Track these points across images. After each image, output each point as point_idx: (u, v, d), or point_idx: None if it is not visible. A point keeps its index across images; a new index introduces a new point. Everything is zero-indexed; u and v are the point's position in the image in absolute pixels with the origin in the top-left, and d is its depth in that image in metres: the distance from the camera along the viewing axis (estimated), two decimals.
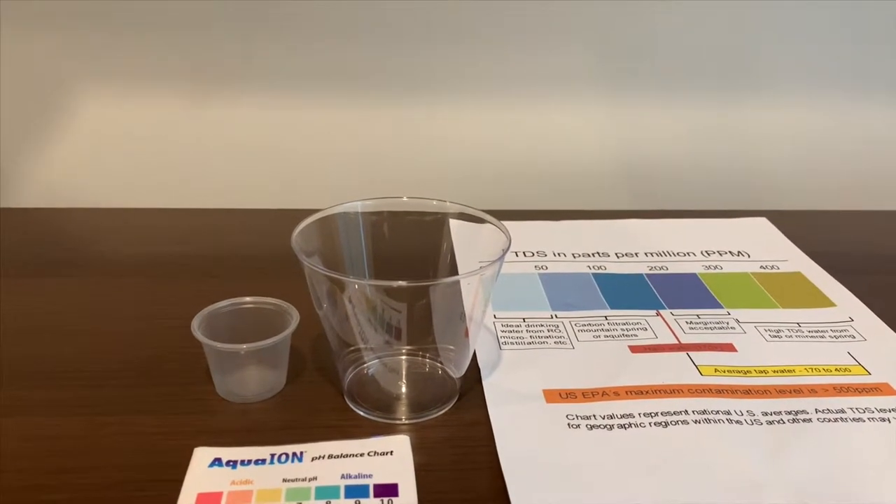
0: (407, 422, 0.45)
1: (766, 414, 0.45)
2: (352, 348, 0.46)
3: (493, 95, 0.77)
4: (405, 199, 0.49)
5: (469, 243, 0.48)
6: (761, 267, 0.64)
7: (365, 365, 0.48)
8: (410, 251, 0.51)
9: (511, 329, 0.54)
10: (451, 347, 0.47)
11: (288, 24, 0.73)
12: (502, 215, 0.47)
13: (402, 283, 0.41)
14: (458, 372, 0.47)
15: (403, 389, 0.48)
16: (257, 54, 0.75)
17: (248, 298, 0.48)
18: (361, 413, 0.45)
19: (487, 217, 0.47)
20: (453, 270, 0.48)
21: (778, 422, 0.45)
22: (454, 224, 0.49)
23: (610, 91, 0.79)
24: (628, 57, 0.77)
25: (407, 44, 0.75)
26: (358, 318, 0.44)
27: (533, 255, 0.64)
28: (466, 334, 0.45)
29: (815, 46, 0.77)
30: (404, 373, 0.48)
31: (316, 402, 0.46)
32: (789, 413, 0.46)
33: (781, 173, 0.82)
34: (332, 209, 0.48)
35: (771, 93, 0.79)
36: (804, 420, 0.45)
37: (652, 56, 0.77)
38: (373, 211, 0.49)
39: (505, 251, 0.44)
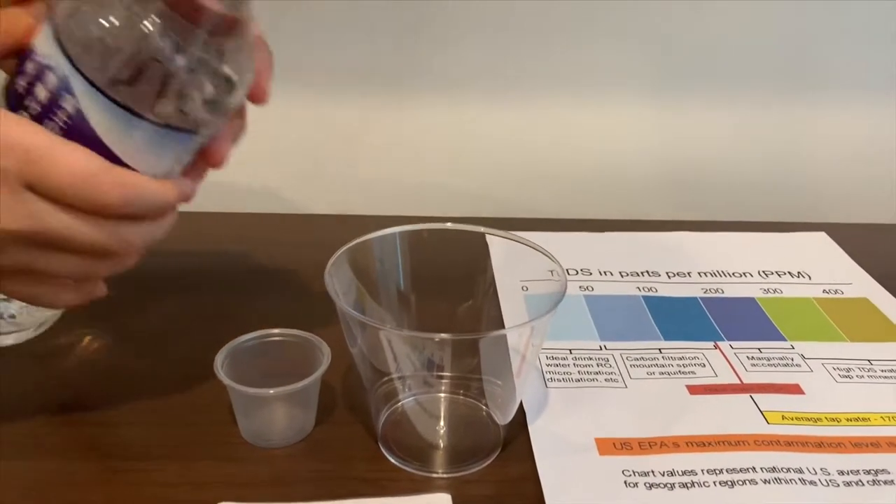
0: (446, 475, 0.41)
1: (842, 473, 0.41)
2: (385, 378, 0.42)
3: (533, 96, 0.72)
4: (448, 226, 0.45)
5: (511, 264, 0.45)
6: (824, 291, 0.59)
7: (400, 404, 0.44)
8: (450, 270, 0.47)
9: (557, 363, 0.50)
10: (498, 390, 0.43)
11: (310, 22, 0.69)
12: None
13: (444, 335, 0.36)
14: (503, 419, 0.43)
15: (443, 434, 0.44)
16: (281, 53, 0.70)
17: (275, 331, 0.44)
18: (396, 463, 0.41)
19: (536, 245, 0.43)
20: (494, 292, 0.46)
21: (856, 483, 0.41)
22: (494, 242, 0.46)
23: (656, 92, 0.73)
24: (675, 55, 0.72)
25: (441, 41, 0.70)
26: (395, 354, 0.40)
27: (577, 273, 0.60)
28: (513, 383, 0.41)
29: (883, 45, 0.72)
30: (444, 416, 0.44)
31: (348, 447, 0.42)
32: (868, 472, 0.41)
33: (841, 181, 0.76)
34: (368, 236, 0.44)
35: (833, 93, 0.74)
36: (885, 482, 0.41)
37: (701, 54, 0.72)
38: (411, 231, 0.46)
39: (558, 302, 0.39)
